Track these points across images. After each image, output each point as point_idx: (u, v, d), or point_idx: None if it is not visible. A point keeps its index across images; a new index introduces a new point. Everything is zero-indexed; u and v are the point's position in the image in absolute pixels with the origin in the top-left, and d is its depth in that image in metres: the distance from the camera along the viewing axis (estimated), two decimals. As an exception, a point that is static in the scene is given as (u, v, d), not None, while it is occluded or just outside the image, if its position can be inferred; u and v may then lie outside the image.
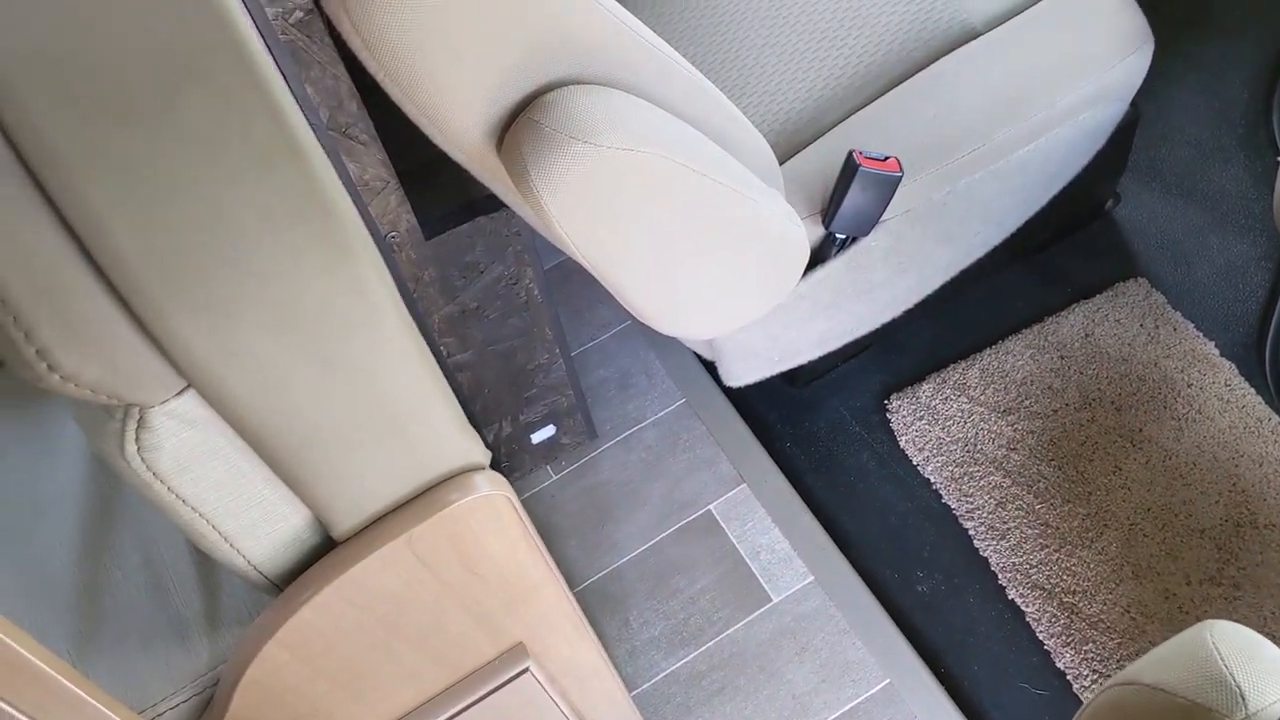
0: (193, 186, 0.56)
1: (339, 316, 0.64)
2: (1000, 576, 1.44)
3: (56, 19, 0.54)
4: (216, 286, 0.59)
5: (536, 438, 1.52)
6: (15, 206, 0.55)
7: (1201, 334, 1.56)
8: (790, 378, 1.57)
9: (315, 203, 0.60)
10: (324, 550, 0.81)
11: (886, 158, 1.21)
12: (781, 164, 1.31)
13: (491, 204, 1.19)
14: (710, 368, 1.63)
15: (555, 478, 1.58)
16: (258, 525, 0.76)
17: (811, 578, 1.46)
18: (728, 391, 1.63)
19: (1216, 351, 1.55)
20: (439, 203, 1.19)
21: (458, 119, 0.92)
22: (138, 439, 0.64)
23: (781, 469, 1.56)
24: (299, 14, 0.89)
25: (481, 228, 1.19)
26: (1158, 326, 1.58)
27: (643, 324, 1.26)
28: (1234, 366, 1.53)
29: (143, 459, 0.65)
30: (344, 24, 0.85)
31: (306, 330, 0.63)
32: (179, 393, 0.64)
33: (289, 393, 0.65)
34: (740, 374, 1.41)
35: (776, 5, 1.41)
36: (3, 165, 0.55)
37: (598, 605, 1.47)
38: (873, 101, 1.33)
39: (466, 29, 0.86)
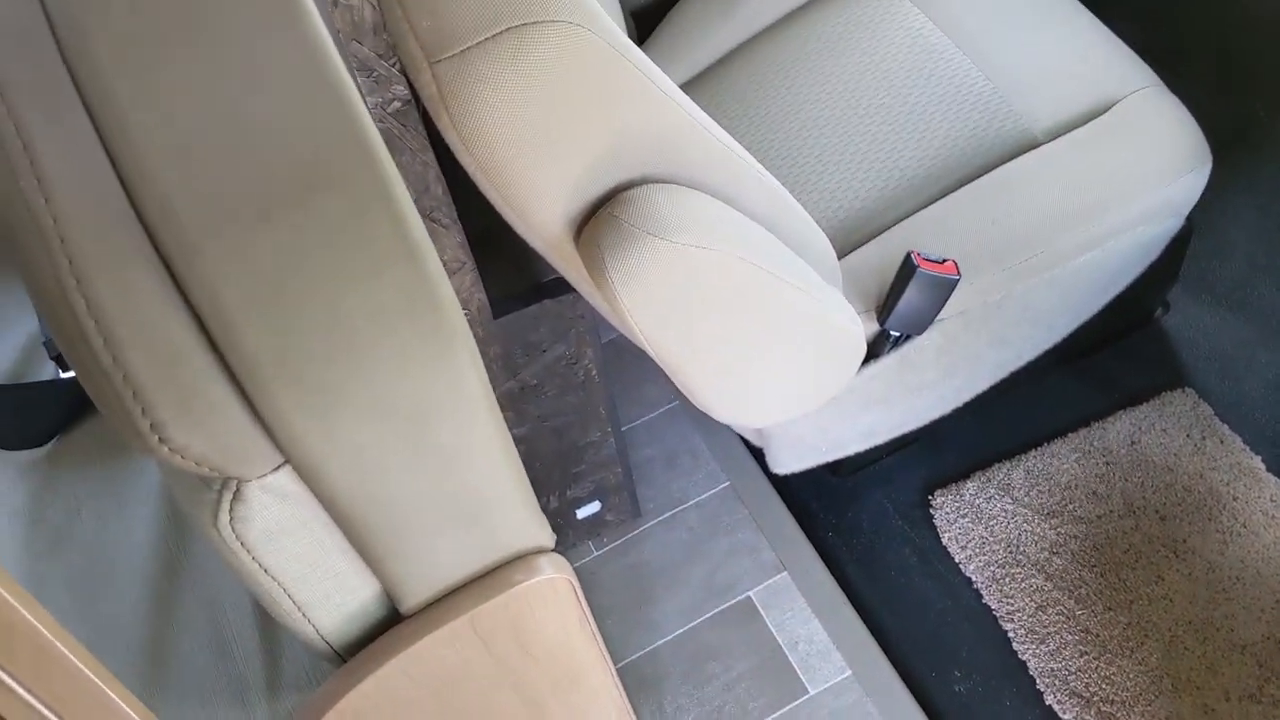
0: (315, 284, 0.60)
1: (436, 406, 0.66)
2: (1038, 681, 1.43)
3: (204, 114, 0.57)
4: (325, 374, 0.62)
5: (582, 513, 1.54)
6: (149, 290, 0.58)
7: (1248, 448, 1.57)
8: (834, 468, 1.59)
9: (424, 300, 0.63)
10: (389, 623, 0.83)
11: (944, 260, 1.23)
12: (840, 258, 1.34)
13: (559, 287, 1.22)
14: (755, 453, 1.65)
15: (597, 554, 1.60)
16: (330, 596, 0.78)
17: (849, 672, 1.46)
18: (772, 478, 1.64)
19: (1263, 466, 1.55)
20: (508, 283, 1.23)
21: (541, 211, 0.96)
22: (231, 510, 0.67)
23: (823, 559, 1.57)
24: (397, 104, 0.93)
25: (547, 309, 1.23)
26: (1204, 438, 1.59)
27: (691, 404, 1.28)
28: (1280, 483, 1.53)
29: (234, 529, 0.68)
30: (442, 119, 0.89)
31: (404, 418, 0.66)
32: (276, 468, 0.67)
33: (380, 475, 0.68)
34: (788, 462, 1.42)
35: (843, 105, 1.45)
36: (140, 252, 0.59)
37: (633, 686, 1.48)
38: (933, 203, 1.36)
39: (560, 131, 0.89)
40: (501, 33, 0.86)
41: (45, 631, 0.50)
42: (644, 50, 1.60)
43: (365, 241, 0.61)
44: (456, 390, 0.67)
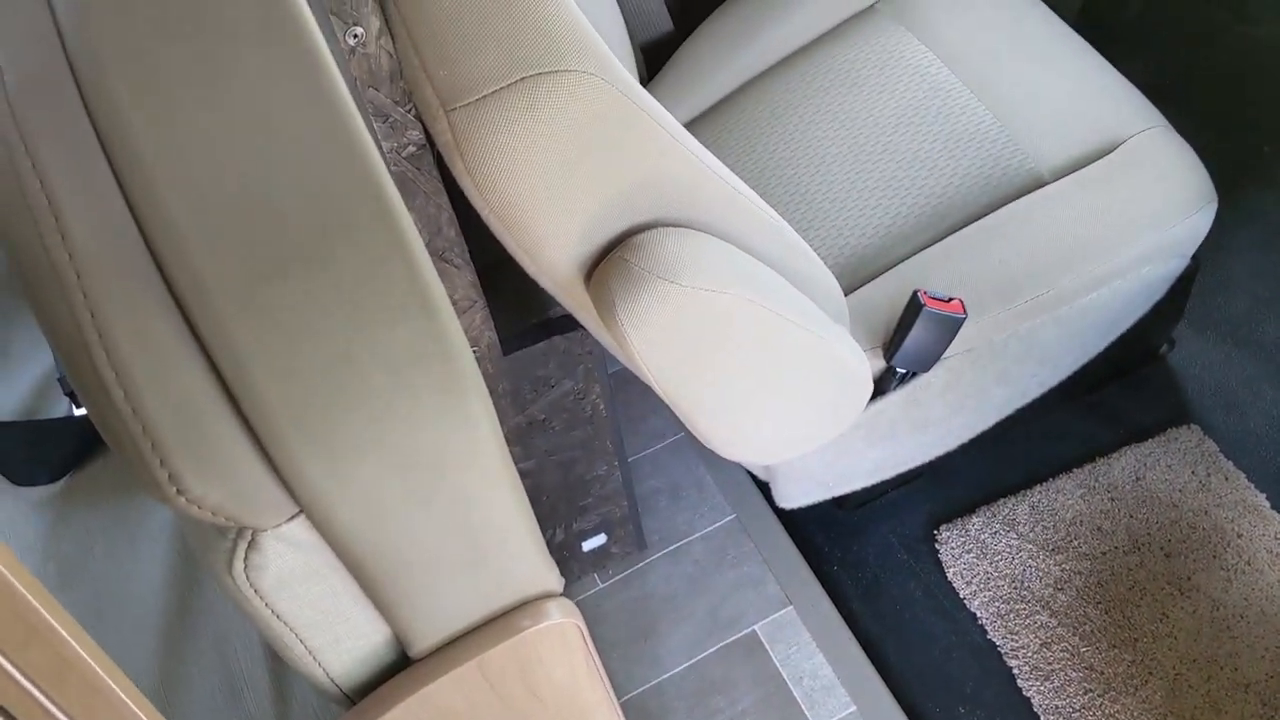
0: (330, 335, 0.60)
1: (449, 455, 0.67)
2: (1043, 718, 1.43)
3: (223, 164, 0.58)
4: (340, 425, 0.63)
5: (587, 545, 1.54)
6: (168, 342, 0.59)
7: (1253, 485, 1.57)
8: (840, 501, 1.59)
9: (438, 350, 0.64)
10: (398, 667, 0.84)
11: (950, 299, 1.24)
12: (847, 294, 1.35)
13: (567, 323, 1.23)
14: (761, 485, 1.66)
15: (602, 586, 1.60)
16: (341, 641, 0.78)
17: (854, 707, 1.46)
18: (778, 511, 1.65)
19: (1268, 504, 1.55)
20: (517, 315, 1.24)
21: (553, 254, 0.97)
22: (246, 558, 0.68)
23: (829, 593, 1.57)
24: (412, 149, 0.94)
25: (556, 345, 1.23)
26: (1209, 474, 1.59)
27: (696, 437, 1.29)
28: (1285, 521, 1.53)
29: (248, 576, 0.69)
30: (457, 165, 0.90)
31: (418, 468, 0.66)
32: (290, 518, 0.67)
33: (392, 522, 0.68)
34: (794, 496, 1.43)
35: (850, 142, 1.46)
36: (159, 303, 0.60)
37: None
38: (939, 241, 1.37)
39: (573, 177, 0.90)
40: (516, 82, 0.87)
41: (95, 667, 0.51)
42: (653, 85, 1.62)
43: (381, 294, 0.62)
44: (469, 440, 0.68)
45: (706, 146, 1.53)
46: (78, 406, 1.06)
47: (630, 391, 1.77)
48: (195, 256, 0.59)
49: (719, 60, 1.60)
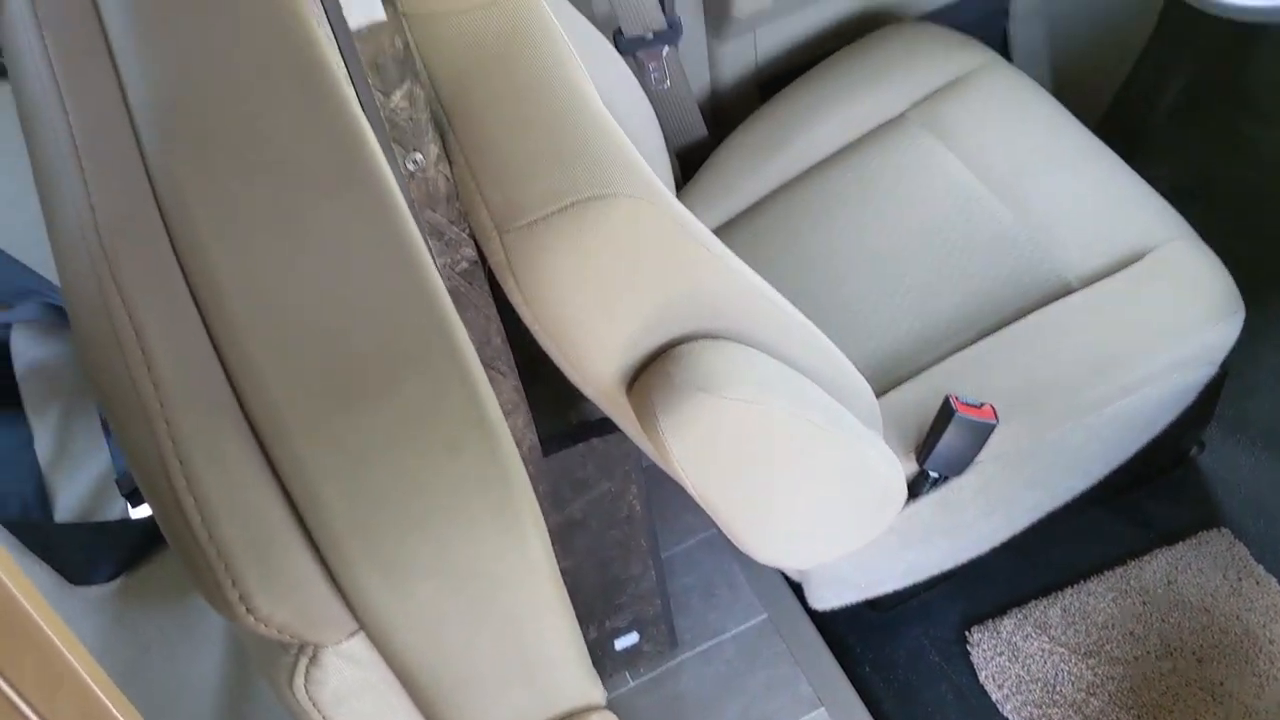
0: (396, 462, 0.63)
1: (504, 574, 0.70)
2: (1078, 827, 1.42)
3: (295, 293, 0.62)
4: (402, 548, 0.65)
5: (620, 644, 1.55)
6: (245, 468, 0.62)
7: (1286, 591, 1.57)
8: (873, 603, 1.59)
9: (496, 474, 0.67)
10: (443, 775, 0.85)
11: (982, 405, 1.26)
12: (879, 396, 1.38)
13: (606, 425, 1.26)
14: (794, 585, 1.66)
15: (633, 684, 1.60)
16: (391, 751, 0.80)
17: (886, 811, 1.46)
18: (810, 611, 1.65)
19: (1301, 610, 1.55)
20: (556, 418, 1.27)
21: (596, 365, 1.00)
22: (307, 673, 0.70)
23: (860, 694, 1.57)
24: (465, 264, 0.98)
25: (595, 448, 1.26)
26: (1240, 579, 1.59)
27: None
28: (1319, 627, 1.53)
29: (307, 691, 0.71)
30: (508, 282, 0.94)
31: (474, 587, 0.69)
32: (351, 635, 0.70)
33: (448, 640, 0.71)
34: (827, 598, 1.44)
35: (880, 247, 1.50)
36: (236, 429, 0.63)
37: (668, 820, 1.48)
38: (969, 345, 1.39)
39: (619, 295, 0.94)
40: (568, 206, 0.91)
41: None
42: (689, 189, 1.66)
43: (444, 421, 0.65)
44: (523, 560, 0.70)
45: (740, 249, 1.57)
46: (135, 507, 1.09)
47: (664, 487, 1.79)
48: (272, 388, 0.62)
49: (752, 166, 1.64)
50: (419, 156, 0.89)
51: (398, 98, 0.85)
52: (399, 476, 0.64)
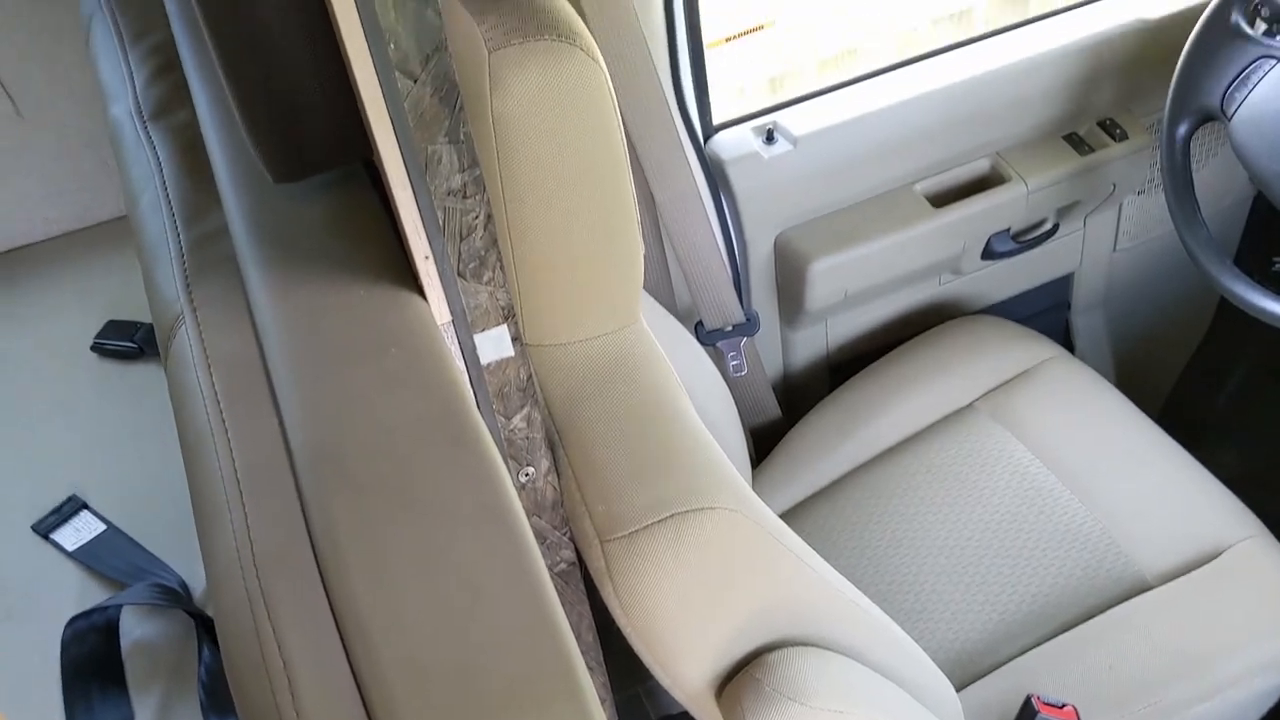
0: None
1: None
2: None
3: (436, 638, 0.66)
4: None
5: None
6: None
7: None
8: None
9: None
10: None
11: (1064, 705, 1.26)
12: (957, 690, 1.38)
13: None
14: None
15: None
16: None
17: None
18: None
19: None
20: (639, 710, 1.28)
21: (687, 669, 1.02)
22: None
23: None
24: (563, 565, 1.03)
25: (674, 740, 1.27)
26: None
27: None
28: None
29: None
30: (606, 588, 0.98)
31: None
32: None
33: None
34: None
35: (954, 537, 1.53)
36: None
37: None
38: (1047, 641, 1.40)
39: (712, 603, 0.98)
40: (667, 518, 0.96)
41: None
42: (763, 470, 1.72)
43: None
44: None
45: (813, 533, 1.61)
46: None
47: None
48: (405, 717, 0.66)
49: (824, 448, 1.70)
50: (530, 470, 0.96)
51: (517, 420, 0.92)
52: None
